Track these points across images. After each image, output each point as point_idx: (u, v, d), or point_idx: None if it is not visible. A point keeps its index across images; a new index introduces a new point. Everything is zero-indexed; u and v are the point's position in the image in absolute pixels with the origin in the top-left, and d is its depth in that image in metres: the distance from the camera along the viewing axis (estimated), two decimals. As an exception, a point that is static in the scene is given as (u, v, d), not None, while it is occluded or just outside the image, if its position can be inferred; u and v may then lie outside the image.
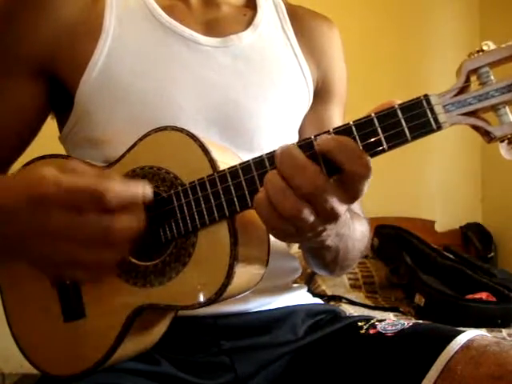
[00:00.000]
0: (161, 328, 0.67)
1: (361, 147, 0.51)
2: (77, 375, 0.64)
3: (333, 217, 0.53)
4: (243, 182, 0.56)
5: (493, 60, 0.50)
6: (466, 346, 0.65)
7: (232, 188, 0.57)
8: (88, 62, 0.71)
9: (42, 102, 0.76)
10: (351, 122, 0.52)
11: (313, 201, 0.51)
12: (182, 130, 0.61)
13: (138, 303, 0.62)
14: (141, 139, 0.64)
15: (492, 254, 2.32)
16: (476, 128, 0.52)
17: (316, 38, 0.86)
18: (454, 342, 0.66)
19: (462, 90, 0.51)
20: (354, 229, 0.71)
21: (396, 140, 0.51)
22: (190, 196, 0.59)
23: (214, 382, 0.71)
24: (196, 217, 0.59)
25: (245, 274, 0.59)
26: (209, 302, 0.58)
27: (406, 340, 0.70)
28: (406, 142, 0.51)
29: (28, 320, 0.69)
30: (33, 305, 0.69)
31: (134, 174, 0.64)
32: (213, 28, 0.79)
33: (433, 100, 0.51)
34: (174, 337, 0.69)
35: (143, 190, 0.56)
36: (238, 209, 0.56)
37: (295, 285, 0.86)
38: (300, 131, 0.85)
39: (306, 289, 0.87)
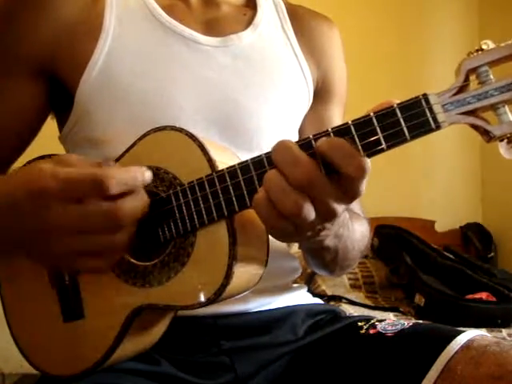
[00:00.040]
0: (160, 328, 0.67)
1: (360, 147, 0.51)
2: (76, 375, 0.64)
3: (331, 215, 0.53)
4: (242, 182, 0.56)
5: (492, 59, 0.50)
6: (466, 346, 0.65)
7: (231, 188, 0.56)
8: (88, 61, 0.71)
9: (42, 102, 0.76)
10: (350, 122, 0.52)
11: (310, 195, 0.51)
12: (181, 130, 0.61)
13: (137, 303, 0.62)
14: (140, 139, 0.64)
15: (492, 254, 2.32)
16: (475, 127, 0.52)
17: (316, 37, 0.86)
18: (454, 342, 0.66)
19: (461, 89, 0.51)
20: (353, 229, 0.71)
21: (395, 139, 0.51)
22: (189, 196, 0.59)
23: (214, 382, 0.71)
24: (195, 217, 0.59)
25: (244, 273, 0.59)
26: (208, 301, 0.58)
27: (406, 340, 0.70)
28: (405, 141, 0.51)
29: (27, 320, 0.69)
30: (32, 305, 0.68)
31: None
32: (213, 28, 0.79)
33: (432, 99, 0.51)
34: (173, 337, 0.69)
35: (142, 173, 0.57)
36: (237, 208, 0.56)
37: (295, 285, 0.86)
38: (300, 131, 0.85)
39: (305, 289, 0.87)
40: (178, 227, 0.60)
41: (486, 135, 0.51)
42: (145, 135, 0.64)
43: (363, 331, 0.75)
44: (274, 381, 0.74)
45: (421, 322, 1.04)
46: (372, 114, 0.51)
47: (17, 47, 0.73)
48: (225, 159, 0.60)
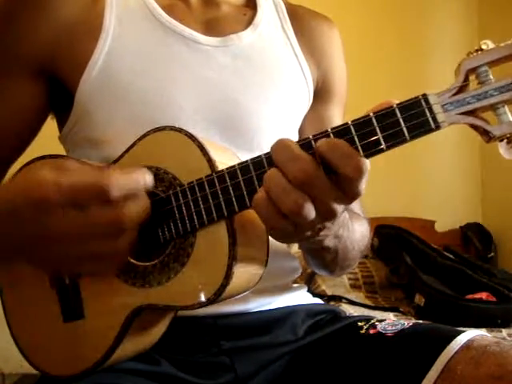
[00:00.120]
0: (160, 328, 0.67)
1: (359, 147, 0.51)
2: (76, 375, 0.64)
3: (331, 214, 0.53)
4: (242, 182, 0.56)
5: (492, 59, 0.50)
6: (466, 346, 0.65)
7: (230, 188, 0.56)
8: (88, 61, 0.71)
9: (41, 102, 0.76)
10: (350, 122, 0.52)
11: (310, 194, 0.51)
12: (180, 130, 0.61)
13: (136, 303, 0.62)
14: (140, 139, 0.64)
15: (492, 254, 2.32)
16: (475, 127, 0.52)
17: (316, 37, 0.86)
18: (454, 342, 0.66)
19: (461, 89, 0.51)
20: (353, 229, 0.71)
21: (395, 140, 0.51)
22: (189, 196, 0.59)
23: (214, 382, 0.71)
24: (195, 217, 0.59)
25: (244, 274, 0.59)
26: (208, 302, 0.58)
27: (406, 340, 0.70)
28: (404, 141, 0.51)
29: (27, 320, 0.69)
30: (32, 305, 0.68)
31: None
32: (213, 27, 0.79)
33: (431, 99, 0.51)
34: (173, 337, 0.69)
35: (144, 177, 0.57)
36: (237, 209, 0.56)
37: (295, 285, 0.86)
38: (300, 131, 0.85)
39: (305, 289, 0.87)
40: (177, 228, 0.60)
41: (486, 135, 0.51)
42: (144, 135, 0.64)
43: (363, 331, 0.75)
44: (274, 381, 0.74)
45: (421, 321, 1.04)
46: (372, 114, 0.51)
47: (17, 47, 0.73)
48: (225, 159, 0.60)
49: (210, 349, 0.72)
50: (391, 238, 2.07)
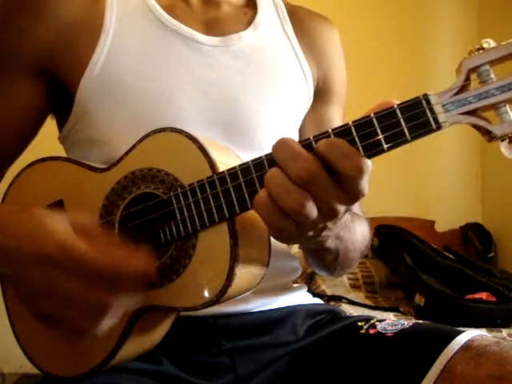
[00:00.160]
0: (163, 329, 0.67)
1: (360, 148, 0.51)
2: (79, 376, 0.64)
3: (333, 214, 0.53)
4: (243, 184, 0.56)
5: (493, 58, 0.50)
6: (466, 346, 0.65)
7: (231, 190, 0.56)
8: (88, 61, 0.71)
9: (41, 102, 0.76)
10: (350, 123, 0.52)
11: (312, 193, 0.51)
12: (180, 132, 0.61)
13: (139, 305, 0.61)
14: (140, 141, 0.64)
15: (492, 253, 2.32)
16: (476, 127, 0.51)
17: (316, 37, 0.86)
18: (453, 341, 0.66)
19: (462, 88, 0.51)
20: (354, 230, 0.71)
21: (395, 140, 0.51)
22: (190, 198, 0.59)
23: (215, 383, 0.71)
24: (196, 219, 0.59)
25: (245, 275, 0.59)
26: (210, 303, 0.58)
27: (406, 340, 0.70)
28: (405, 142, 0.51)
29: (30, 321, 0.69)
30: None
31: (133, 176, 0.63)
32: (213, 27, 0.79)
33: (432, 99, 0.50)
34: (174, 337, 0.69)
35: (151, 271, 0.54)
36: (238, 210, 0.56)
37: (295, 285, 0.86)
38: (300, 131, 0.85)
39: (306, 289, 0.87)
40: (179, 229, 0.60)
41: (488, 135, 0.51)
42: (144, 137, 0.64)
43: (363, 331, 0.75)
44: (275, 381, 0.74)
45: (421, 321, 1.04)
46: (372, 114, 0.51)
47: (17, 47, 0.73)
48: (226, 160, 0.60)
49: (211, 349, 0.72)
50: (391, 238, 2.07)
